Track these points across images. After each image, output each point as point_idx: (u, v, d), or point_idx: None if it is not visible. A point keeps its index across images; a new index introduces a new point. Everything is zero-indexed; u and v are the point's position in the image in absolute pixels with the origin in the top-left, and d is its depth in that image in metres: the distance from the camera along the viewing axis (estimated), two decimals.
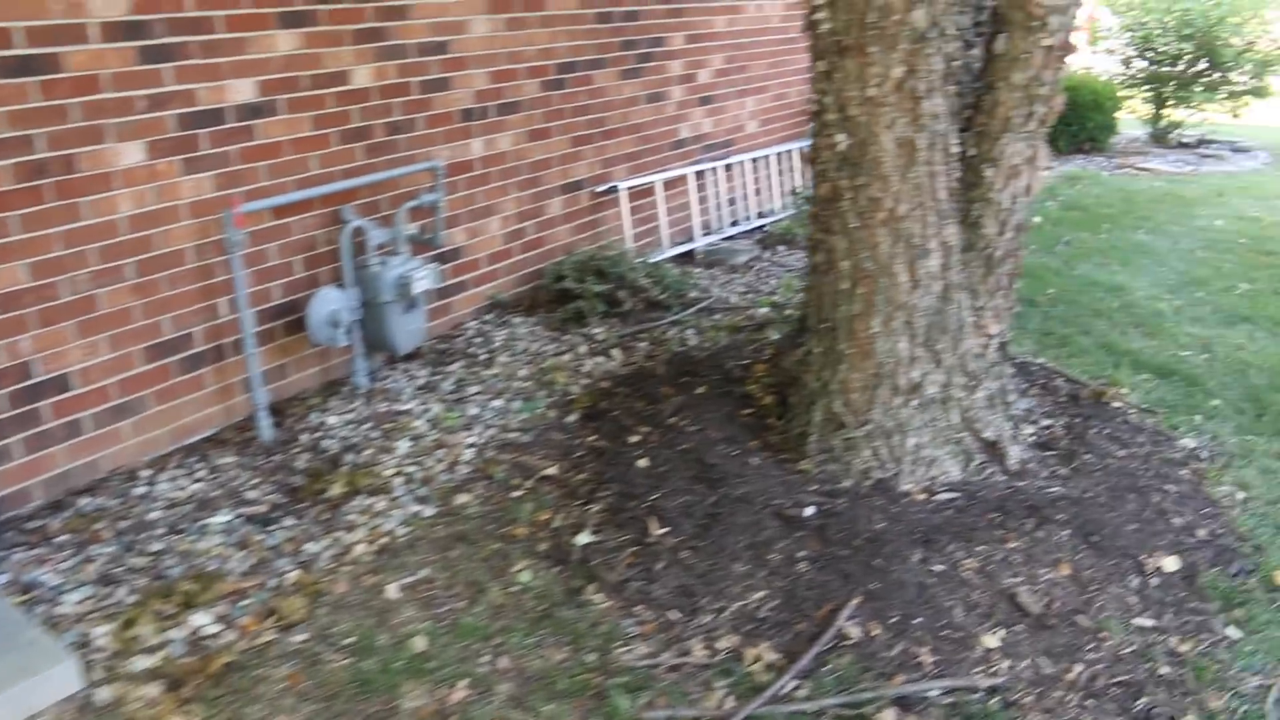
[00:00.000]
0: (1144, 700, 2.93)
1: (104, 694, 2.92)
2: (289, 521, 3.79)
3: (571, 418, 4.56)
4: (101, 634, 3.15)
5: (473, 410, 4.64)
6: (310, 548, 3.64)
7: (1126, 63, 11.98)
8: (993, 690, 2.94)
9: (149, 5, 3.90)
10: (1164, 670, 3.04)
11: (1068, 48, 3.64)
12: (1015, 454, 3.95)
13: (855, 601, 3.20)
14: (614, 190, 6.53)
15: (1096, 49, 12.32)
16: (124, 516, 3.79)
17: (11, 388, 3.74)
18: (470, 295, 5.71)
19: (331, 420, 4.53)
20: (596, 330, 5.55)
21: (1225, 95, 11.39)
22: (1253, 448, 4.33)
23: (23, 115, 3.61)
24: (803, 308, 4.44)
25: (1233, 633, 3.23)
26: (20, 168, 3.63)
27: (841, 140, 3.60)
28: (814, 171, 3.79)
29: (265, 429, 4.37)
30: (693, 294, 6.11)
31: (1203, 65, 11.27)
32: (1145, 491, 3.84)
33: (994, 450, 3.92)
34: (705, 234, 7.27)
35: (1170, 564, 3.47)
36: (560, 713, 2.89)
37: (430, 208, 5.08)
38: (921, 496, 3.74)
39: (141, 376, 4.15)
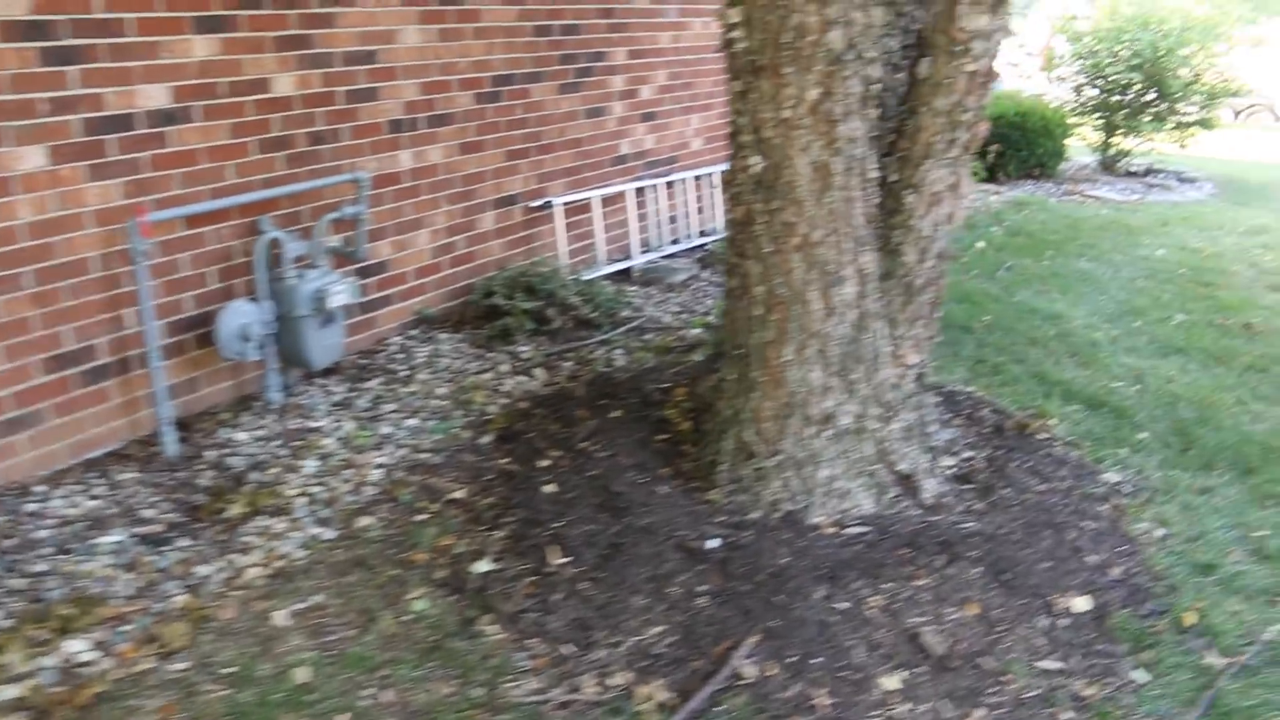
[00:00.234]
0: None
1: None
2: (183, 542, 3.66)
3: (485, 439, 4.44)
4: None
5: (386, 429, 4.52)
6: (201, 570, 3.51)
7: (1078, 90, 12.05)
8: None
9: (52, 5, 3.77)
10: (1067, 715, 2.96)
11: (991, 74, 3.58)
12: (931, 487, 3.87)
13: (753, 640, 3.10)
14: (549, 205, 6.43)
15: (1051, 76, 12.39)
16: (9, 535, 3.63)
17: None
18: (396, 310, 5.58)
19: (240, 436, 4.40)
20: (523, 348, 5.44)
21: (1173, 125, 11.48)
22: (1176, 483, 4.28)
23: None
24: (718, 332, 4.36)
25: (1140, 676, 3.15)
26: None
27: (756, 162, 3.51)
28: (729, 194, 3.70)
29: (170, 444, 4.23)
30: (625, 313, 6.02)
31: (1151, 95, 11.35)
32: (1062, 528, 3.77)
33: (909, 483, 3.84)
34: (644, 251, 7.18)
35: (1081, 604, 3.40)
36: None
37: (353, 220, 4.95)
38: (831, 530, 3.65)
39: (40, 388, 4.00)
